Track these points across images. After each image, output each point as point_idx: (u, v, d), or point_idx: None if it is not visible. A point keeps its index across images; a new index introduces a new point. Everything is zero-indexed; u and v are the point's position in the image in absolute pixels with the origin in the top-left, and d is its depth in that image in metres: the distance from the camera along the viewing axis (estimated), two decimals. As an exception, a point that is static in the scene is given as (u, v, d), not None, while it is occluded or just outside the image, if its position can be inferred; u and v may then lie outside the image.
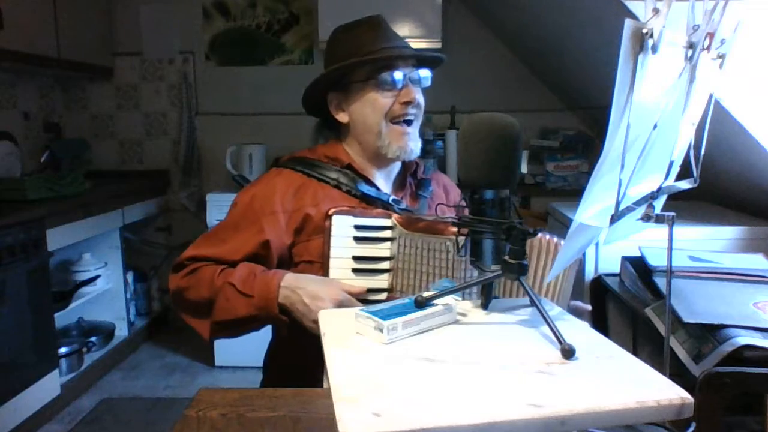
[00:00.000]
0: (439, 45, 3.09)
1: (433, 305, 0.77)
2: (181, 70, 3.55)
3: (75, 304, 2.95)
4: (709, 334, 1.14)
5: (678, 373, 1.12)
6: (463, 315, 0.80)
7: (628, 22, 0.62)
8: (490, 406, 0.55)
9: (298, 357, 1.18)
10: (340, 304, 1.07)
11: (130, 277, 3.35)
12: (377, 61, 1.20)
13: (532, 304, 0.75)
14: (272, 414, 0.95)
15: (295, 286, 1.11)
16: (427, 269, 1.10)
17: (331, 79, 1.25)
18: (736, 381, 1.02)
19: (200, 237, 1.26)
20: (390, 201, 1.25)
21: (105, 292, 3.17)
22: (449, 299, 0.78)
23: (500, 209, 0.78)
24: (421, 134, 1.29)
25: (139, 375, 3.05)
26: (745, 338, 1.09)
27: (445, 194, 1.40)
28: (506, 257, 0.76)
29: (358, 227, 1.14)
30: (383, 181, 1.31)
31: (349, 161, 1.27)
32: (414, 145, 1.24)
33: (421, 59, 1.28)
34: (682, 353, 1.18)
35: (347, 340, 0.73)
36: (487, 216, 0.78)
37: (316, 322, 1.05)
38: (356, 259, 1.14)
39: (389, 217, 1.16)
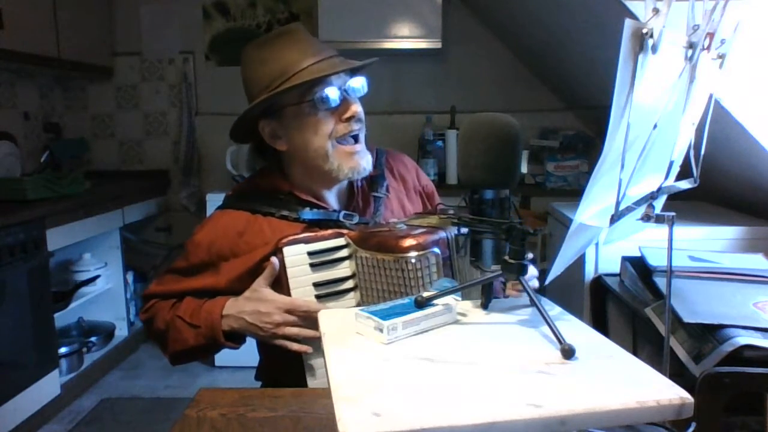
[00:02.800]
0: (439, 45, 3.09)
1: (433, 305, 0.77)
2: (181, 70, 3.55)
3: (75, 304, 2.95)
4: (709, 334, 1.14)
5: (678, 373, 1.13)
6: (463, 315, 0.80)
7: (628, 22, 0.62)
8: (490, 406, 0.55)
9: (283, 373, 1.18)
10: (282, 308, 1.08)
11: (130, 277, 3.35)
12: (309, 82, 1.09)
13: (532, 304, 0.75)
14: (272, 414, 0.95)
15: (238, 312, 1.11)
16: (387, 287, 1.05)
17: (260, 107, 1.14)
18: (736, 381, 1.02)
19: (163, 272, 1.26)
20: (341, 218, 1.18)
21: (105, 292, 3.17)
22: (449, 299, 0.78)
23: (500, 209, 0.78)
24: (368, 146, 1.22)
25: (139, 375, 3.05)
26: (745, 338, 1.09)
27: (402, 183, 1.33)
28: (506, 257, 0.76)
29: (311, 254, 1.09)
30: (333, 197, 1.24)
31: (289, 189, 1.20)
32: (366, 163, 1.17)
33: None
34: (682, 353, 1.18)
35: (347, 340, 0.73)
36: (487, 216, 0.78)
37: (272, 336, 1.09)
38: (317, 285, 1.10)
39: (342, 235, 1.11)
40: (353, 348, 0.70)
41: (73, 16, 3.06)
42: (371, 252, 1.06)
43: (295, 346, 1.09)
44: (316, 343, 1.08)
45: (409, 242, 1.02)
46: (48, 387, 2.52)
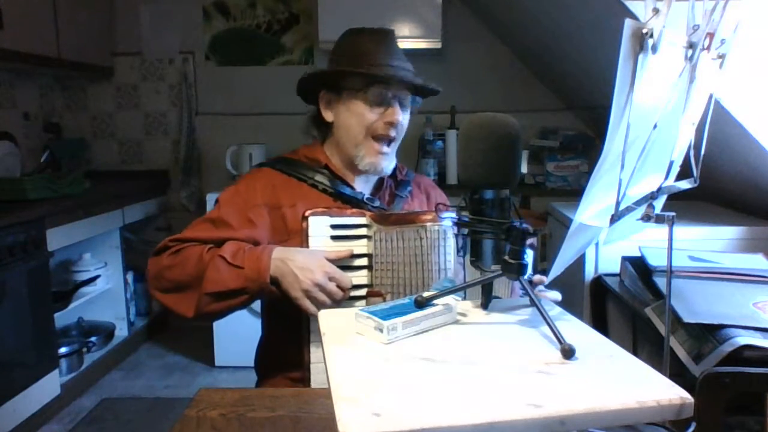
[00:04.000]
0: (439, 45, 3.09)
1: (433, 305, 0.77)
2: (181, 70, 3.55)
3: (75, 304, 2.94)
4: (709, 334, 1.14)
5: (678, 373, 1.13)
6: (463, 315, 0.80)
7: (628, 22, 0.62)
8: (490, 406, 0.55)
9: (283, 350, 1.22)
10: (328, 275, 1.11)
11: (130, 277, 3.35)
12: (373, 76, 1.22)
13: (532, 304, 0.75)
14: (272, 414, 0.95)
15: (285, 257, 1.13)
16: (403, 259, 1.15)
17: (326, 78, 1.28)
18: (736, 381, 1.02)
19: (195, 222, 1.27)
20: (364, 200, 1.28)
21: (105, 292, 3.17)
22: (449, 299, 0.78)
23: (500, 209, 0.78)
24: (398, 154, 1.33)
25: (139, 375, 3.05)
26: (745, 338, 1.09)
27: (426, 196, 1.42)
28: (506, 257, 0.76)
29: (334, 226, 1.18)
30: (361, 184, 1.33)
31: (326, 162, 1.31)
32: (387, 165, 1.28)
33: (414, 85, 1.29)
34: (682, 353, 1.18)
35: (347, 340, 0.73)
36: (487, 216, 0.78)
37: (303, 291, 1.11)
38: None
39: (364, 215, 1.20)
40: (353, 348, 0.70)
41: (73, 16, 3.06)
42: (390, 226, 1.16)
43: (312, 308, 1.11)
44: (315, 325, 1.12)
45: (426, 216, 1.17)
46: (48, 387, 2.51)
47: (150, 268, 1.23)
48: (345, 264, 1.17)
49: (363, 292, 1.17)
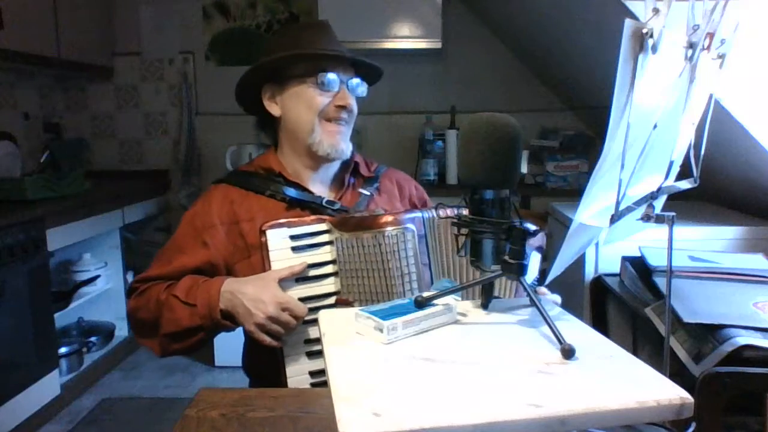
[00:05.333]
0: (439, 45, 3.09)
1: (433, 305, 0.77)
2: (181, 70, 3.55)
3: (75, 304, 2.95)
4: (709, 334, 1.14)
5: (678, 373, 1.13)
6: (463, 315, 0.80)
7: (628, 22, 0.62)
8: (490, 406, 0.55)
9: (262, 368, 1.21)
10: (281, 305, 1.08)
11: (130, 277, 3.35)
12: (317, 57, 1.21)
13: (532, 304, 0.75)
14: (272, 414, 0.95)
15: (236, 290, 1.11)
16: (366, 265, 1.11)
17: (268, 71, 1.25)
18: (736, 381, 1.02)
19: (157, 254, 1.26)
20: (323, 203, 1.24)
21: (105, 292, 3.17)
22: (449, 299, 0.78)
23: (500, 209, 0.78)
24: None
25: (139, 375, 3.05)
26: (745, 338, 1.09)
27: (398, 189, 1.39)
28: (506, 257, 0.76)
29: (293, 237, 1.13)
30: (319, 185, 1.29)
31: (279, 170, 1.27)
32: (345, 146, 1.25)
33: (359, 70, 1.28)
34: (682, 353, 1.18)
35: (347, 340, 0.73)
36: (487, 216, 0.77)
37: (256, 324, 1.08)
38: None
39: (323, 221, 1.15)
40: (353, 348, 0.70)
41: (73, 16, 3.06)
42: (350, 232, 1.12)
43: (267, 340, 1.10)
44: (291, 339, 1.11)
45: (385, 219, 1.12)
46: (48, 387, 2.51)
47: (126, 309, 1.25)
48: (310, 274, 1.13)
49: (332, 300, 1.13)
